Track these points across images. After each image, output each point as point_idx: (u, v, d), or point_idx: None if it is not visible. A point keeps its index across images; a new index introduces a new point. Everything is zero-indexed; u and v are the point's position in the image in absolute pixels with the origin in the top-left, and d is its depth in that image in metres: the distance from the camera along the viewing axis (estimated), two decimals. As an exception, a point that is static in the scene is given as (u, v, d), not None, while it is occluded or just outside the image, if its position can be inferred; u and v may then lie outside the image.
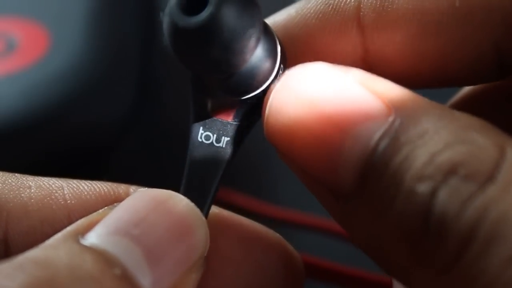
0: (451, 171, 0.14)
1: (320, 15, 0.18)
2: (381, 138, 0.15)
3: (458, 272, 0.14)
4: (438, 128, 0.15)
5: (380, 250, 0.15)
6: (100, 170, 0.35)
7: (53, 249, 0.15)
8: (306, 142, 0.16)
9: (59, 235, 0.16)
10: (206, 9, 0.15)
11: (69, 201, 0.18)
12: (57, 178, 0.18)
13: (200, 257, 0.16)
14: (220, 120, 0.18)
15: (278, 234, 0.20)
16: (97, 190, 0.18)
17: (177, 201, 0.16)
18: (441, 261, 0.14)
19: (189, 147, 0.18)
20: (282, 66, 0.17)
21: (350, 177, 0.15)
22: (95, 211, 0.17)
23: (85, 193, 0.18)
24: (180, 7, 0.15)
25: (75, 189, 0.18)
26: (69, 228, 0.16)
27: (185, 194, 0.17)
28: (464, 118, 0.15)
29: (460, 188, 0.14)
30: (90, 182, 0.19)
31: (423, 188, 0.14)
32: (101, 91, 0.35)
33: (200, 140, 0.18)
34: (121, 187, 0.19)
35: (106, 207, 0.17)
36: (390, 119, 0.15)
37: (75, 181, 0.18)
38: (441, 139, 0.14)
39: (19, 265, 0.14)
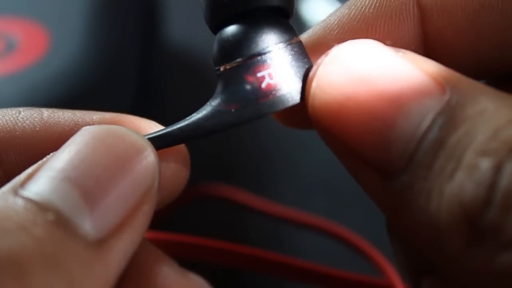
0: None
1: (377, 3, 0.18)
2: (437, 115, 0.15)
3: None
4: (498, 107, 0.14)
5: (430, 232, 0.15)
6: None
7: None
8: (357, 118, 0.15)
9: (3, 189, 0.15)
10: None
11: None
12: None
13: (149, 188, 0.16)
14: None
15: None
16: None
17: (118, 136, 0.16)
18: (505, 236, 0.13)
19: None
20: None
21: (402, 154, 0.15)
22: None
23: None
24: None
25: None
26: (11, 182, 0.16)
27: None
28: None
29: None
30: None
31: (487, 162, 0.14)
32: (101, 91, 0.35)
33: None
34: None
35: (50, 154, 0.16)
36: (446, 97, 0.15)
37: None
38: (503, 116, 0.14)
39: None
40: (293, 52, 0.17)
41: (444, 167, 0.14)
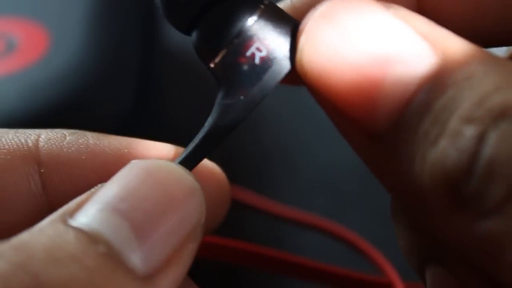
0: (502, 114, 0.13)
1: None
2: (425, 78, 0.15)
3: (504, 214, 0.13)
4: (487, 72, 0.14)
5: (413, 193, 0.15)
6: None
7: (38, 232, 0.14)
8: (345, 75, 0.15)
9: (48, 218, 0.15)
10: None
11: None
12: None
13: (196, 226, 0.16)
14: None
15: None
16: (6, 146, 0.18)
17: (167, 171, 0.16)
18: (485, 204, 0.13)
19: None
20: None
21: (389, 115, 0.15)
22: (2, 169, 0.17)
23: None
24: None
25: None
26: (59, 210, 0.15)
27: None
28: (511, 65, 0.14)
29: None
30: (1, 133, 0.18)
31: (471, 130, 0.14)
32: (101, 91, 0.35)
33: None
34: (30, 139, 0.18)
35: (99, 185, 0.16)
36: (435, 60, 0.15)
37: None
38: (491, 82, 0.14)
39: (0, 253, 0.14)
40: (270, 17, 0.17)
41: (429, 132, 0.14)
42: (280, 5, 0.18)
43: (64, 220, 0.15)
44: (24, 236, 0.14)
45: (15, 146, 0.18)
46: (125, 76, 0.37)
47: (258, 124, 0.42)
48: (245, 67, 0.17)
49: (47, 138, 0.18)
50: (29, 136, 0.18)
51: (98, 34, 0.36)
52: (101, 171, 0.18)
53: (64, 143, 0.18)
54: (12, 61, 0.34)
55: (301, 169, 0.41)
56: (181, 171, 0.16)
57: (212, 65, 0.17)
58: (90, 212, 0.15)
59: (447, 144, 0.14)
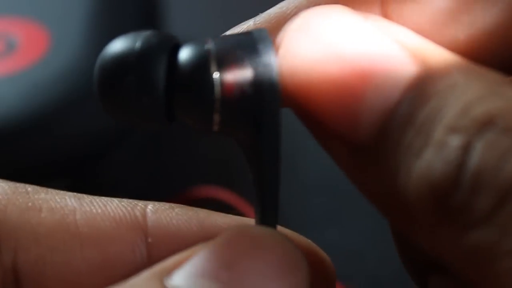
0: (487, 123, 0.13)
1: None
2: (407, 88, 0.14)
3: (493, 225, 0.13)
4: (470, 80, 0.14)
5: (398, 207, 0.14)
6: (101, 170, 0.35)
7: None
8: (325, 89, 0.15)
9: (144, 274, 0.15)
10: None
11: (81, 229, 0.17)
12: (70, 195, 0.17)
13: None
14: None
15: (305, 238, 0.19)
16: (111, 214, 0.17)
17: (275, 241, 0.15)
18: (473, 215, 0.13)
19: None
20: None
21: (370, 128, 0.14)
22: (108, 238, 0.16)
23: (99, 218, 0.17)
24: None
25: (87, 214, 0.17)
26: (157, 267, 0.15)
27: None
28: (493, 74, 0.14)
29: (498, 141, 0.13)
30: (104, 202, 0.17)
31: (456, 140, 0.13)
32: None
33: None
34: (137, 208, 0.17)
35: (199, 244, 0.16)
36: (416, 69, 0.14)
37: (87, 201, 0.17)
38: (474, 91, 0.14)
39: None
40: (225, 53, 0.16)
41: (413, 143, 0.14)
42: (261, 18, 0.18)
43: (161, 280, 0.14)
44: None
45: (121, 215, 0.17)
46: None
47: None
48: (243, 104, 0.16)
49: (154, 209, 0.17)
50: (136, 205, 0.17)
51: (98, 35, 0.36)
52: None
53: (173, 214, 0.18)
54: (12, 61, 0.34)
55: (301, 170, 0.42)
56: (290, 243, 0.15)
57: (216, 129, 0.16)
58: (189, 274, 0.15)
59: (432, 156, 0.13)
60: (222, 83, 0.16)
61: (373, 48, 0.15)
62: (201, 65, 0.16)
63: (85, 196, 0.17)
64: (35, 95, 0.33)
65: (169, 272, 0.15)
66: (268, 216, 0.17)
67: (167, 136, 0.42)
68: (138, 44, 0.16)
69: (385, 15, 0.17)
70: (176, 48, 0.16)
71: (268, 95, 0.16)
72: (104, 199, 0.17)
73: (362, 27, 0.15)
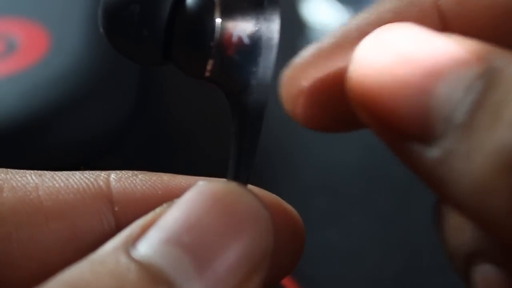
0: None
1: (396, 10, 0.18)
2: (475, 79, 0.15)
3: None
4: None
5: (475, 196, 0.14)
6: (105, 168, 0.35)
7: (99, 265, 0.14)
8: (397, 91, 0.15)
9: (110, 244, 0.15)
10: None
11: (45, 203, 0.17)
12: (31, 173, 0.17)
13: (263, 257, 0.15)
14: None
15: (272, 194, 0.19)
16: (75, 186, 0.17)
17: (236, 197, 0.15)
18: None
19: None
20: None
21: (442, 118, 0.15)
22: (73, 210, 0.16)
23: (62, 191, 0.17)
24: None
25: (50, 189, 0.17)
26: (122, 235, 0.15)
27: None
28: None
29: None
30: (66, 175, 0.17)
31: None
32: (102, 91, 0.35)
33: None
34: (100, 178, 0.17)
35: (165, 204, 0.16)
36: (484, 65, 0.15)
37: (49, 176, 0.17)
38: None
39: None
40: (230, 3, 0.16)
41: (484, 125, 0.14)
42: (324, 40, 0.19)
43: (127, 251, 0.15)
44: (86, 271, 0.14)
45: (84, 186, 0.17)
46: (126, 77, 0.37)
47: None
48: (239, 56, 0.16)
49: (118, 177, 0.18)
50: (99, 175, 0.18)
51: (99, 35, 0.36)
52: None
53: (137, 180, 0.18)
54: (12, 61, 0.34)
55: (301, 170, 0.42)
56: (251, 196, 0.16)
57: (207, 75, 0.17)
58: (153, 242, 0.15)
59: (506, 133, 0.14)
60: (222, 29, 0.16)
61: (441, 51, 0.15)
62: (205, 8, 0.16)
63: (46, 172, 0.17)
64: (36, 95, 0.33)
65: (134, 240, 0.15)
66: (241, 172, 0.17)
67: (166, 137, 0.42)
68: None
69: (444, 26, 0.18)
70: None
71: (265, 51, 0.16)
72: (66, 173, 0.17)
73: (430, 36, 0.16)
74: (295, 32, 0.50)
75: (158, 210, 0.16)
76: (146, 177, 0.18)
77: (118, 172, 0.18)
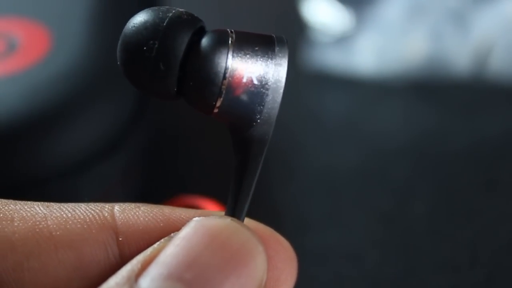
0: None
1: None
2: None
3: None
4: None
5: None
6: (106, 169, 0.35)
7: None
8: None
9: (113, 280, 0.15)
10: None
11: (54, 233, 0.17)
12: (39, 204, 0.18)
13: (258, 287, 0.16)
14: None
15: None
16: (81, 217, 0.18)
17: (231, 233, 0.16)
18: None
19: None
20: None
21: None
22: (81, 240, 0.17)
23: (70, 222, 0.17)
24: None
25: (58, 219, 0.17)
26: (124, 271, 0.16)
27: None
28: None
29: None
30: (72, 206, 0.18)
31: None
32: (103, 91, 0.35)
33: None
34: (105, 209, 0.18)
35: (163, 239, 0.17)
36: None
37: (56, 207, 0.18)
38: None
39: None
40: (243, 44, 0.17)
41: None
42: None
43: (131, 285, 0.15)
44: None
45: (91, 217, 0.18)
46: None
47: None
48: (247, 96, 0.17)
49: (121, 209, 0.18)
50: (103, 207, 0.18)
51: (100, 34, 0.36)
52: None
53: (140, 212, 0.18)
54: (13, 61, 0.35)
55: (300, 171, 0.42)
56: (246, 231, 0.16)
57: (216, 111, 0.17)
58: (155, 278, 0.15)
59: None
60: (233, 70, 0.17)
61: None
62: (218, 49, 0.17)
63: (52, 203, 0.18)
64: (36, 95, 0.33)
65: (137, 276, 0.15)
66: (238, 206, 0.18)
67: (168, 137, 0.42)
68: (170, 15, 0.17)
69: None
70: (201, 30, 0.17)
71: (272, 93, 0.17)
72: (72, 204, 0.18)
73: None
74: (295, 32, 0.50)
75: (156, 245, 0.16)
76: (148, 209, 0.19)
77: (121, 204, 0.19)
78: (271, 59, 0.17)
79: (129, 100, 0.36)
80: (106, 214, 0.18)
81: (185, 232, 0.16)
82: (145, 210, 0.19)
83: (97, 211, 0.18)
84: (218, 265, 0.15)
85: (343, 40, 0.48)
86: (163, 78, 0.17)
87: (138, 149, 0.37)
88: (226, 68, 0.17)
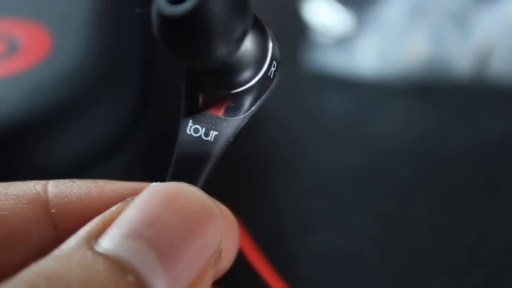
0: None
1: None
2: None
3: None
4: None
5: None
6: (106, 170, 0.35)
7: (67, 258, 0.15)
8: None
9: (72, 241, 0.15)
10: None
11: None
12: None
13: (216, 250, 0.16)
14: (210, 114, 0.18)
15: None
16: (14, 192, 0.18)
17: (189, 195, 0.16)
18: None
19: (177, 139, 0.18)
20: (274, 62, 0.17)
21: None
22: (12, 214, 0.17)
23: (2, 197, 0.18)
24: None
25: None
26: (83, 232, 0.16)
27: None
28: None
29: None
30: (6, 184, 0.18)
31: None
32: (104, 92, 0.35)
33: (189, 133, 0.18)
34: (39, 185, 0.19)
35: (121, 203, 0.17)
36: None
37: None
38: None
39: (32, 284, 0.14)
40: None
41: None
42: None
43: (90, 246, 0.15)
44: (54, 264, 0.14)
45: (23, 192, 0.18)
46: (128, 77, 0.37)
47: (256, 128, 0.43)
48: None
49: (55, 184, 0.19)
50: (37, 183, 0.19)
51: (101, 35, 0.36)
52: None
53: (74, 185, 0.19)
54: (14, 62, 0.35)
55: (300, 172, 0.42)
56: (202, 195, 0.17)
57: (193, 87, 0.18)
58: (116, 238, 0.15)
59: None
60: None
61: None
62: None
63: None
64: (37, 96, 0.33)
65: (97, 235, 0.15)
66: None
67: (169, 137, 0.42)
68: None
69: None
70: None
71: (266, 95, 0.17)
72: (7, 183, 0.18)
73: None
74: (296, 34, 0.50)
75: (115, 208, 0.16)
76: (82, 182, 0.19)
77: (57, 180, 0.19)
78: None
79: (130, 101, 0.36)
80: (39, 189, 0.18)
81: (144, 195, 0.16)
82: (79, 183, 0.19)
83: (31, 186, 0.18)
84: (178, 224, 0.16)
85: (344, 41, 0.48)
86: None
87: (139, 150, 0.37)
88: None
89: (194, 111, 0.18)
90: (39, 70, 0.34)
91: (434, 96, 0.46)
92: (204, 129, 0.18)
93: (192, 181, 0.18)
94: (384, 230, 0.37)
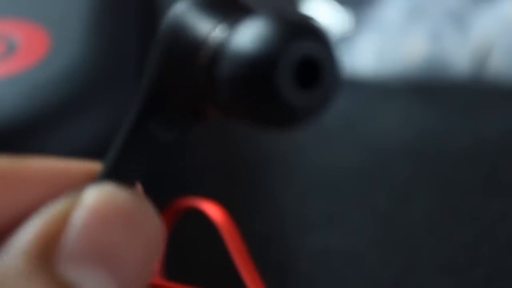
0: None
1: None
2: None
3: None
4: None
5: None
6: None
7: (25, 280, 0.15)
8: None
9: (21, 260, 0.15)
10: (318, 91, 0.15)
11: None
12: None
13: (158, 246, 0.16)
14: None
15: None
16: None
17: (124, 201, 0.16)
18: None
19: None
20: None
21: None
22: None
23: None
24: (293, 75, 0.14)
25: None
26: (27, 245, 0.15)
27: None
28: None
29: None
30: None
31: None
32: (102, 92, 0.35)
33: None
34: None
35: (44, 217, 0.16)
36: None
37: None
38: None
39: None
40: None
41: None
42: None
43: (47, 270, 0.15)
44: None
45: None
46: (126, 78, 0.37)
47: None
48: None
49: None
50: None
51: (99, 36, 0.36)
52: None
53: None
54: (12, 63, 0.35)
55: (300, 172, 0.42)
56: (134, 197, 0.16)
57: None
58: (70, 263, 0.15)
59: None
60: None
61: None
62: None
63: None
64: (36, 97, 0.33)
65: (48, 254, 0.15)
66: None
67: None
68: None
69: None
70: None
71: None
72: None
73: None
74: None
75: (53, 218, 0.16)
76: None
77: None
78: None
79: (128, 101, 0.36)
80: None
81: (78, 216, 0.16)
82: None
83: None
84: (121, 235, 0.16)
85: (342, 41, 0.48)
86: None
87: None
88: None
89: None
90: (37, 71, 0.34)
91: (433, 95, 0.46)
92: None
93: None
94: (384, 229, 0.37)
